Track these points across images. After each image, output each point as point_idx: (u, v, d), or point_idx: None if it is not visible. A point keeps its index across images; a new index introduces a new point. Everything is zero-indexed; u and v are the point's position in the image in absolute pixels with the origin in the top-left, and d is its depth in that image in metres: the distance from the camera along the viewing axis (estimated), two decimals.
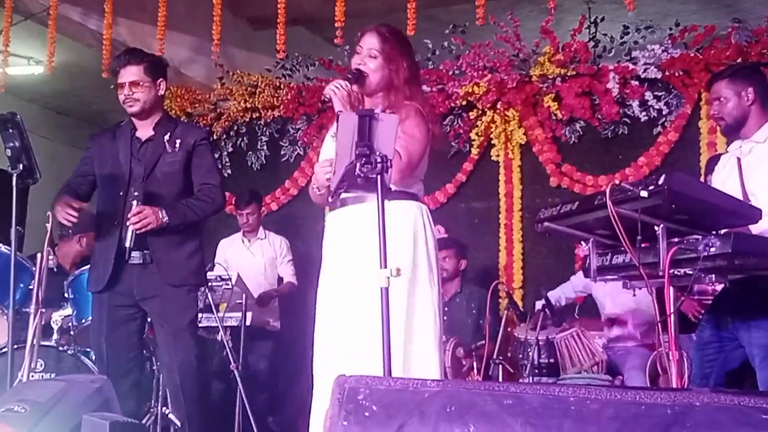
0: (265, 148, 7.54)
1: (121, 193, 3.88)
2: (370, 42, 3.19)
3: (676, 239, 2.77)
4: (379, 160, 2.60)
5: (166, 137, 3.95)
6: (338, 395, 1.60)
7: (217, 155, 7.55)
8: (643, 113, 6.23)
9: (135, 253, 3.79)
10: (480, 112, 6.62)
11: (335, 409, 1.59)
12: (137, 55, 4.01)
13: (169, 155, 3.94)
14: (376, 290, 2.51)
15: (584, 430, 1.50)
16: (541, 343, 5.12)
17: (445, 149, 6.36)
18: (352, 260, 3.02)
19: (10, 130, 3.43)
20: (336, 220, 3.18)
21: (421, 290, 3.04)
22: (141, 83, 3.92)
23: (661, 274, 2.75)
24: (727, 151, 3.67)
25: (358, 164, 2.63)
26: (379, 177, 2.62)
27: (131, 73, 3.92)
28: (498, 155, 6.64)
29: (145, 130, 4.01)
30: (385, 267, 2.54)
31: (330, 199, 3.11)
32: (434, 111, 3.54)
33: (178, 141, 3.95)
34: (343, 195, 3.02)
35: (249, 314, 5.50)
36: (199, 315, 4.97)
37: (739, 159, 3.47)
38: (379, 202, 2.64)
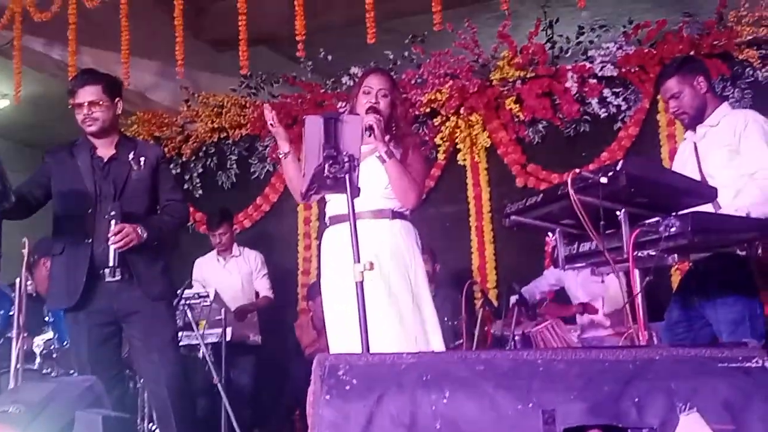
0: (234, 166, 7.60)
1: (90, 211, 3.88)
2: (380, 83, 3.62)
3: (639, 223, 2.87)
4: (346, 159, 2.70)
5: (131, 156, 4.00)
6: (319, 372, 1.68)
7: (187, 177, 7.64)
8: (603, 110, 6.35)
9: (116, 270, 3.80)
10: (444, 118, 6.73)
11: (317, 385, 1.67)
12: (95, 75, 4.04)
13: (135, 173, 3.98)
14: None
15: (552, 388, 1.59)
16: (517, 337, 5.20)
17: None
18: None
19: None
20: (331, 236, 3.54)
21: (425, 293, 3.54)
22: (100, 102, 3.95)
23: (625, 257, 2.85)
24: (684, 139, 3.79)
25: (326, 165, 2.72)
26: (347, 176, 2.72)
27: (90, 92, 3.94)
28: (464, 159, 6.75)
29: (105, 149, 4.02)
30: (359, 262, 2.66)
31: (302, 201, 3.31)
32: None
33: (142, 159, 4.00)
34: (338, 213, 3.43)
35: (229, 330, 5.55)
36: (180, 333, 5.05)
37: (695, 144, 3.59)
38: (349, 200, 2.73)
